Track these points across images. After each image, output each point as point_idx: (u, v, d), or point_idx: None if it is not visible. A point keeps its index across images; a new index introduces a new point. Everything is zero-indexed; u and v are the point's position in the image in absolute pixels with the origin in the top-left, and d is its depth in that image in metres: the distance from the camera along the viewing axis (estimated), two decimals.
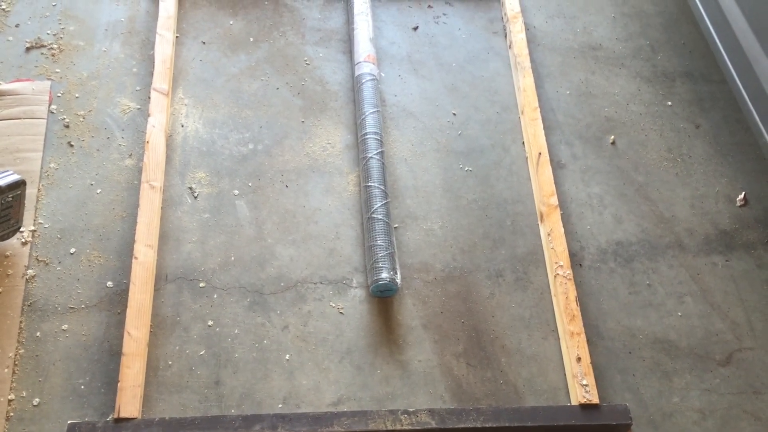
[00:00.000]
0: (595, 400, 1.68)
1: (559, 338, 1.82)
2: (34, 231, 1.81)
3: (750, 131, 2.22)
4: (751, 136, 2.22)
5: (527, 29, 2.41)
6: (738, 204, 2.10)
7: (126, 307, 1.69)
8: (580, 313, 1.80)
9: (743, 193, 2.11)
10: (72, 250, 1.80)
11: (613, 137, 2.21)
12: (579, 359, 1.73)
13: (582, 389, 1.69)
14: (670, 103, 2.31)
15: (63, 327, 1.69)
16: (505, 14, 2.42)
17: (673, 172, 2.15)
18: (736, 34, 1.98)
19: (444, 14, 2.45)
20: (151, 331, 1.70)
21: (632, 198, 2.09)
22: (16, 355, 1.63)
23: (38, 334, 1.67)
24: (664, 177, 2.14)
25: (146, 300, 1.71)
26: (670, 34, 2.49)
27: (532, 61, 2.31)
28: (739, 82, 1.99)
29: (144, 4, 2.31)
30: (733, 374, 1.81)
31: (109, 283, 1.77)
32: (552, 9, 2.52)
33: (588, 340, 1.78)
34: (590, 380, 1.71)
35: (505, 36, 2.40)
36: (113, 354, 1.66)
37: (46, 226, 1.83)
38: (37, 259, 1.78)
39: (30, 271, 1.75)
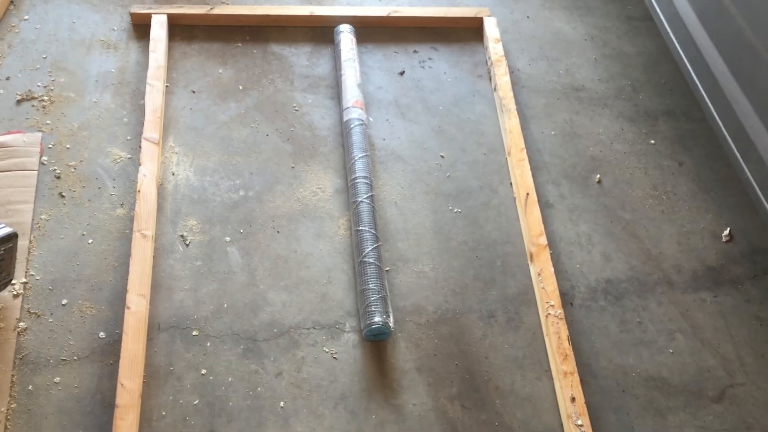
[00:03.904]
0: None
1: (552, 378, 1.82)
2: (25, 283, 1.81)
3: (732, 167, 2.27)
4: (733, 172, 2.26)
5: (511, 72, 2.46)
6: (723, 240, 2.13)
7: (119, 357, 1.68)
8: (572, 352, 1.81)
9: (728, 228, 2.15)
10: (64, 302, 1.80)
11: (598, 176, 2.24)
12: (573, 399, 1.73)
13: (577, 429, 1.69)
14: (653, 141, 2.36)
15: (55, 380, 1.68)
16: (489, 58, 2.47)
17: (658, 210, 2.19)
18: (714, 73, 2.03)
19: (429, 59, 2.50)
20: (144, 382, 1.70)
21: (620, 236, 2.12)
22: (8, 409, 1.62)
23: (30, 387, 1.66)
24: (650, 214, 2.17)
25: (139, 350, 1.70)
26: (651, 74, 2.55)
27: (517, 103, 2.35)
28: (719, 120, 2.03)
29: (134, 55, 2.34)
30: (726, 410, 1.82)
31: (102, 334, 1.76)
32: (535, 52, 2.58)
33: (581, 380, 1.79)
34: (585, 420, 1.71)
35: (490, 79, 2.45)
36: (106, 406, 1.65)
37: (38, 278, 1.83)
38: (29, 312, 1.77)
39: (22, 324, 1.75)
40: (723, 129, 2.02)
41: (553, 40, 2.64)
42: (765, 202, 1.86)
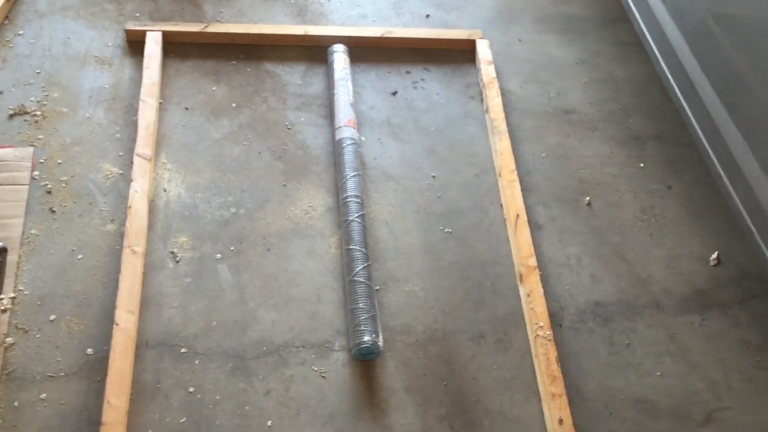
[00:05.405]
0: None
1: (540, 400, 1.83)
2: (14, 298, 1.80)
3: (720, 192, 2.29)
4: (721, 197, 2.28)
5: (503, 94, 2.49)
6: (711, 264, 2.15)
7: (106, 374, 1.67)
8: (561, 374, 1.82)
9: (716, 252, 2.17)
10: (52, 317, 1.79)
11: (588, 198, 2.26)
12: (561, 421, 1.73)
13: None
14: (642, 165, 2.38)
15: (42, 396, 1.66)
16: (482, 80, 2.49)
17: (647, 233, 2.20)
18: (703, 100, 2.05)
19: (422, 79, 2.52)
20: (131, 399, 1.68)
21: (609, 258, 2.13)
22: None
23: (16, 403, 1.65)
24: (639, 237, 2.19)
25: (126, 367, 1.69)
26: (641, 98, 2.58)
27: (508, 124, 2.37)
28: (707, 146, 2.05)
29: (128, 71, 2.35)
30: None
31: (89, 350, 1.75)
32: (527, 74, 2.61)
33: (570, 401, 1.79)
34: None
35: (482, 100, 2.48)
36: (92, 423, 1.63)
37: (26, 293, 1.82)
38: (17, 327, 1.76)
39: (9, 339, 1.73)
40: (711, 155, 2.04)
41: (544, 64, 2.66)
42: (753, 227, 1.88)
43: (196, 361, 1.78)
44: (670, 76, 2.23)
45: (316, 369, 1.81)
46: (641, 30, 2.42)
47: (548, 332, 1.89)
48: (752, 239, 1.88)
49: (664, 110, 2.54)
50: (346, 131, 2.21)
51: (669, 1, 2.23)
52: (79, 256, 1.91)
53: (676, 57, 2.18)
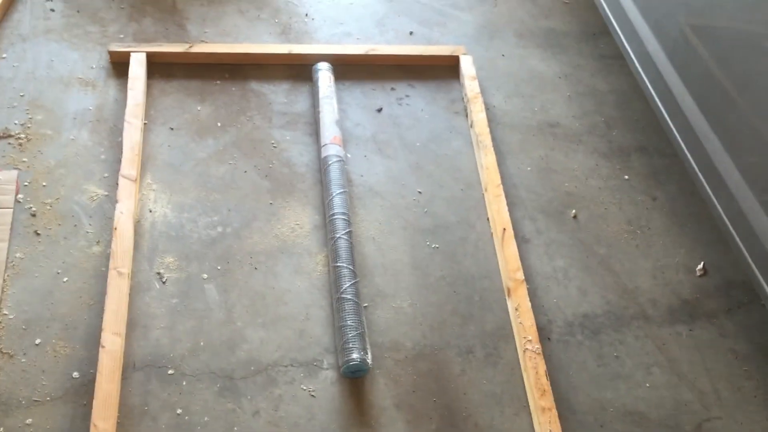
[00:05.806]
0: None
1: (531, 414, 1.82)
2: None
3: (705, 202, 2.30)
4: (706, 207, 2.30)
5: (487, 109, 2.50)
6: (698, 274, 2.16)
7: (92, 398, 1.65)
8: (550, 387, 1.81)
9: (702, 263, 2.18)
10: (37, 341, 1.77)
11: (574, 211, 2.27)
12: None
13: None
14: (627, 176, 2.40)
15: (27, 421, 1.65)
16: (466, 95, 2.51)
17: (633, 244, 2.21)
18: (684, 111, 2.07)
19: (407, 96, 2.54)
20: (118, 422, 1.67)
21: (596, 270, 2.14)
22: None
23: (2, 429, 1.63)
24: (625, 249, 2.20)
25: (113, 390, 1.68)
26: (624, 110, 2.61)
27: (493, 139, 2.39)
28: (690, 157, 2.07)
29: (112, 93, 2.35)
30: None
31: (75, 374, 1.74)
32: (510, 89, 2.63)
33: (560, 415, 1.79)
34: None
35: (466, 116, 2.49)
36: None
37: (11, 317, 1.81)
38: (2, 352, 1.74)
39: None
40: (694, 165, 2.06)
41: (527, 78, 2.69)
42: (736, 237, 1.89)
43: (184, 383, 1.77)
44: (651, 89, 2.25)
45: (304, 388, 1.80)
46: (622, 43, 2.45)
47: (537, 346, 1.89)
48: (736, 248, 1.89)
49: (646, 122, 2.57)
50: (332, 148, 2.22)
51: (648, 15, 2.26)
52: (65, 279, 1.90)
53: (656, 69, 2.20)
